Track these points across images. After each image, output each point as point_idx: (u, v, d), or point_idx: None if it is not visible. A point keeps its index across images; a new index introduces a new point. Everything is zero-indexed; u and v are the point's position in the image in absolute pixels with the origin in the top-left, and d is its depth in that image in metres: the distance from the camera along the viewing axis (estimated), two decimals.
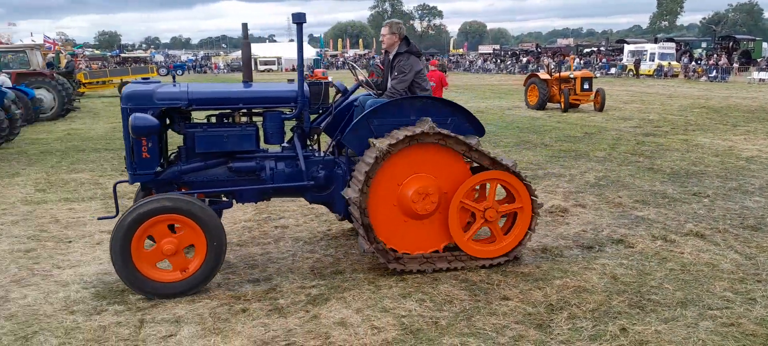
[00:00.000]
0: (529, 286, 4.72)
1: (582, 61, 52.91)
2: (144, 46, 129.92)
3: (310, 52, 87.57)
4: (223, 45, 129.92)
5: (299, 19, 4.81)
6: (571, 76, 19.25)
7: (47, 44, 34.29)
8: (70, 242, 6.05)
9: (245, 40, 5.59)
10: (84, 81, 29.01)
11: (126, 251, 4.41)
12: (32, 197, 8.04)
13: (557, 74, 19.27)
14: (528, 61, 56.97)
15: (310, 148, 5.42)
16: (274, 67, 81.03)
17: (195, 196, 4.68)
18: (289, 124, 5.19)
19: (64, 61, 28.70)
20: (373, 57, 77.56)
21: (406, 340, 3.85)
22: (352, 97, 5.66)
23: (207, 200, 4.89)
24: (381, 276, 4.95)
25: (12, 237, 6.22)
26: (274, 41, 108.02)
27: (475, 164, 5.19)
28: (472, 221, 5.15)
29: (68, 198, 7.97)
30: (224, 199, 5.23)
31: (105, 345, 3.83)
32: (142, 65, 40.22)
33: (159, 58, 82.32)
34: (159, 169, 4.92)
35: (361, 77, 5.74)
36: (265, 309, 4.33)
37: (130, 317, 4.24)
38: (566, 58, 44.78)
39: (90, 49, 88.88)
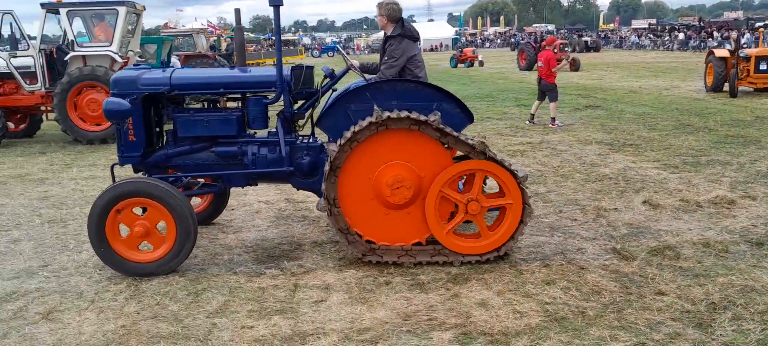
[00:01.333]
0: (687, 282, 4.36)
1: (754, 36, 47.10)
2: (293, 29, 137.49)
3: (448, 32, 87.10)
4: (365, 26, 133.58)
5: (276, 3, 4.79)
6: (742, 54, 16.51)
7: (210, 29, 37.55)
8: (232, 209, 6.64)
9: (238, 25, 5.58)
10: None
11: (101, 231, 4.60)
12: None
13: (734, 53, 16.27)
14: (688, 37, 51.81)
15: (298, 134, 5.29)
16: None
17: (167, 180, 4.86)
18: (280, 110, 5.09)
19: (224, 45, 31.32)
20: (514, 35, 75.32)
21: (550, 327, 3.75)
22: (351, 84, 5.31)
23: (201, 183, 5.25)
24: (523, 260, 4.86)
25: None
26: (414, 22, 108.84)
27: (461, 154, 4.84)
28: (456, 213, 4.79)
29: None
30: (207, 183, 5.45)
31: (264, 305, 4.17)
32: (291, 47, 42.69)
33: (306, 40, 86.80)
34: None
35: (352, 62, 5.47)
36: (407, 284, 4.44)
37: (285, 281, 4.58)
38: (732, 33, 39.75)
39: (245, 33, 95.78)
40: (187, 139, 5.13)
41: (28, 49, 11.49)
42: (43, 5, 11.45)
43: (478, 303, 4.10)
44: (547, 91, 11.96)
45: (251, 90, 5.17)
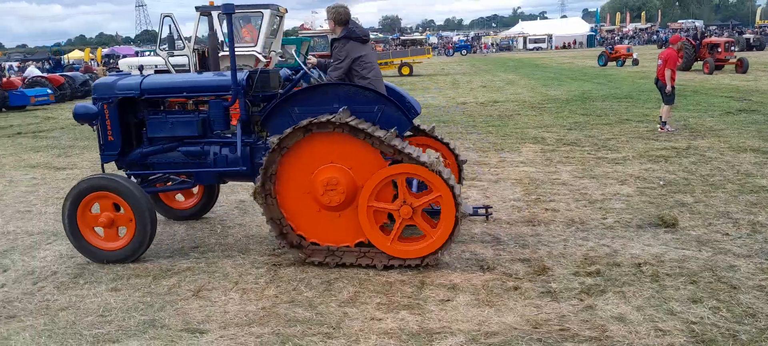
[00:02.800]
0: None
1: None
2: (420, 28, 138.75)
3: (583, 28, 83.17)
4: (493, 24, 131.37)
5: (228, 10, 4.96)
6: None
7: None
8: None
9: (211, 31, 5.58)
10: None
11: (73, 221, 5.07)
12: None
13: None
14: None
15: (259, 135, 5.37)
16: (544, 46, 79.08)
17: (130, 177, 5.36)
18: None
19: None
20: (657, 32, 70.18)
21: None
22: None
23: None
24: (667, 275, 4.51)
25: None
26: (545, 18, 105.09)
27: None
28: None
29: None
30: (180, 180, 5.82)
31: (392, 299, 4.26)
32: (419, 47, 43.08)
33: (433, 40, 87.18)
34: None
35: (308, 68, 5.53)
36: (537, 291, 4.31)
37: (412, 277, 4.63)
38: None
39: (374, 33, 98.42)
40: (158, 140, 5.55)
41: (184, 48, 12.63)
42: (197, 8, 12.53)
43: (615, 317, 3.87)
44: (662, 92, 11.04)
45: (210, 94, 5.47)
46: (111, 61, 43.63)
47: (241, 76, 5.30)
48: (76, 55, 58.34)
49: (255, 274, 4.82)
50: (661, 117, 11.22)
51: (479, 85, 24.53)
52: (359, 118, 4.74)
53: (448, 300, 4.21)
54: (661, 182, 7.29)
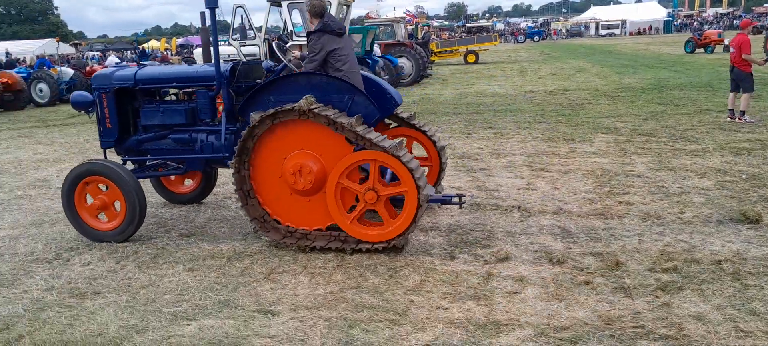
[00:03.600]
0: None
1: None
2: (487, 15, 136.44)
3: (659, 13, 79.41)
4: (564, 10, 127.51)
5: (211, 5, 5.27)
6: None
7: (408, 17, 38.87)
8: None
9: (203, 26, 5.91)
10: (436, 50, 32.09)
11: (71, 203, 5.52)
12: None
13: None
14: None
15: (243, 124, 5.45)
16: (617, 32, 76.14)
17: (122, 163, 5.75)
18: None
19: (420, 33, 32.23)
20: (740, 16, 66.05)
21: None
22: None
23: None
24: (750, 274, 4.27)
25: None
26: (619, 3, 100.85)
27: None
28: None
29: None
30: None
31: (457, 288, 4.24)
32: (485, 34, 42.40)
33: (500, 26, 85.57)
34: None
35: (287, 59, 5.81)
36: (610, 286, 4.18)
37: (478, 267, 4.60)
38: None
39: (439, 21, 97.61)
40: (151, 127, 5.88)
41: (255, 38, 12.98)
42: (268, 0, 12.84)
43: (693, 316, 3.70)
44: (739, 80, 10.36)
45: (196, 84, 5.74)
46: (184, 50, 45.36)
47: (225, 67, 5.56)
48: (152, 44, 61.03)
49: (323, 259, 4.92)
50: (731, 109, 10.59)
51: (548, 72, 23.88)
52: (332, 106, 4.95)
53: (516, 292, 4.15)
54: (744, 176, 6.89)
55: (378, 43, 20.64)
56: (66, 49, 32.38)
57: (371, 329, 3.71)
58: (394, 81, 19.84)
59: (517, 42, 67.15)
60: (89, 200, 5.65)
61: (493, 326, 3.69)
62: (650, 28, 73.09)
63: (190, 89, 5.86)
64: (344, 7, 13.20)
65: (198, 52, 14.19)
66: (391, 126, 6.15)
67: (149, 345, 3.66)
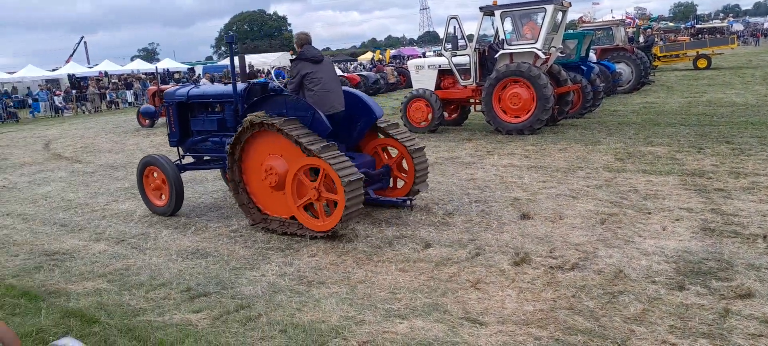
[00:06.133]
0: None
1: None
2: (721, 14, 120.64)
3: None
4: None
5: (230, 40, 6.87)
6: None
7: (627, 20, 36.12)
8: (649, 213, 6.26)
9: (231, 52, 6.94)
10: (659, 55, 29.28)
11: (141, 184, 7.61)
12: (613, 165, 8.71)
13: None
14: None
15: None
16: None
17: (184, 157, 7.81)
18: None
19: (642, 37, 29.71)
20: None
21: None
22: None
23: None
24: None
25: (596, 199, 6.91)
26: None
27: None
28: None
29: (646, 170, 8.26)
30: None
31: (687, 323, 3.79)
32: (719, 36, 37.48)
33: (738, 26, 74.97)
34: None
35: (275, 83, 7.35)
36: None
37: (713, 302, 4.06)
38: None
39: (664, 22, 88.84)
40: (198, 133, 7.60)
41: (466, 48, 13.14)
42: (481, 8, 12.91)
43: None
44: None
45: (224, 100, 7.26)
46: (396, 61, 47.86)
47: (241, 87, 6.95)
48: (367, 56, 65.50)
49: (532, 274, 4.77)
50: None
51: None
52: (300, 121, 6.09)
53: (761, 336, 3.58)
54: None
55: (594, 48, 19.51)
56: None
57: None
58: (610, 88, 18.53)
59: (758, 45, 58.25)
60: (151, 184, 7.57)
61: None
62: None
63: (220, 104, 7.39)
64: (560, 13, 12.71)
65: (412, 63, 14.80)
66: (380, 135, 7.13)
67: (366, 337, 3.90)
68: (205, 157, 7.80)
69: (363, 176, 5.96)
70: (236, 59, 6.90)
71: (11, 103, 28.99)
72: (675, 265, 4.79)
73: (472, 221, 6.41)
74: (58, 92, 32.27)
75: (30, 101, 30.50)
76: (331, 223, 5.87)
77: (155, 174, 7.47)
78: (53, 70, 43.69)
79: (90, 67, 46.98)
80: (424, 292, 4.57)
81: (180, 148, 7.86)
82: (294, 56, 6.58)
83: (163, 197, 7.48)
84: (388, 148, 7.18)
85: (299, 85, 6.36)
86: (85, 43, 68.77)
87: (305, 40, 6.58)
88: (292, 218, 6.23)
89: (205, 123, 7.47)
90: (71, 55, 59.38)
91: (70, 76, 39.68)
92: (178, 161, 7.69)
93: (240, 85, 6.97)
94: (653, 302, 4.14)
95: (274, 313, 4.37)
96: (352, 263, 5.35)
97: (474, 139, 12.27)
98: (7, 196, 9.56)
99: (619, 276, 4.62)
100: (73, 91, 32.70)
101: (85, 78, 39.35)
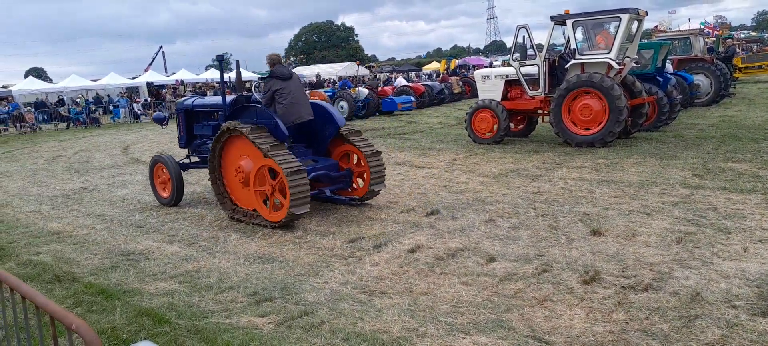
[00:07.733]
0: None
1: None
2: None
3: None
4: None
5: (220, 59, 8.53)
6: None
7: (707, 30, 34.43)
8: (729, 233, 5.90)
9: (238, 74, 8.48)
10: (740, 66, 27.72)
11: (151, 179, 9.02)
12: (690, 181, 8.28)
13: None
14: None
15: None
16: None
17: (190, 158, 9.17)
18: None
19: (722, 47, 28.21)
20: None
21: None
22: None
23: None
24: None
25: (672, 217, 6.58)
26: None
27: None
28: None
29: (726, 187, 7.81)
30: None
31: None
32: None
33: None
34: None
35: (256, 95, 8.30)
36: None
37: None
38: None
39: (746, 32, 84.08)
40: (200, 136, 8.88)
41: (535, 58, 12.88)
42: (552, 18, 12.62)
43: None
44: None
45: (217, 109, 8.46)
46: (460, 70, 47.51)
47: (230, 98, 8.08)
48: (432, 66, 65.37)
49: (602, 294, 4.59)
50: None
51: None
52: (267, 128, 7.20)
53: None
54: None
55: (670, 59, 18.68)
56: (362, 71, 36.82)
57: None
58: (687, 101, 17.68)
59: None
60: (158, 178, 8.91)
61: None
62: None
63: (215, 112, 8.59)
64: (635, 22, 12.25)
65: (479, 73, 14.65)
66: (346, 143, 7.95)
67: None
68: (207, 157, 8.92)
69: (305, 168, 6.94)
70: (233, 74, 8.64)
71: (93, 109, 30.82)
72: (757, 289, 4.48)
73: (539, 236, 6.24)
74: (137, 99, 34.07)
75: (111, 107, 32.31)
76: (282, 215, 6.94)
77: (163, 171, 8.83)
78: (133, 78, 46.14)
79: (167, 76, 49.34)
80: (487, 307, 4.48)
81: (188, 150, 9.22)
82: (268, 73, 7.78)
83: (167, 190, 8.84)
84: (356, 154, 8.01)
85: (271, 98, 7.57)
86: (163, 52, 72.34)
87: (276, 60, 7.87)
88: (255, 210, 7.36)
89: (204, 128, 8.78)
90: (150, 64, 62.66)
91: (149, 85, 41.79)
92: (182, 160, 9.03)
93: (229, 97, 8.21)
94: (733, 327, 3.88)
95: (336, 321, 4.40)
96: (415, 274, 5.32)
97: (541, 151, 11.98)
98: (88, 197, 10.13)
99: (695, 299, 4.37)
100: (150, 99, 34.38)
101: (162, 86, 41.34)
